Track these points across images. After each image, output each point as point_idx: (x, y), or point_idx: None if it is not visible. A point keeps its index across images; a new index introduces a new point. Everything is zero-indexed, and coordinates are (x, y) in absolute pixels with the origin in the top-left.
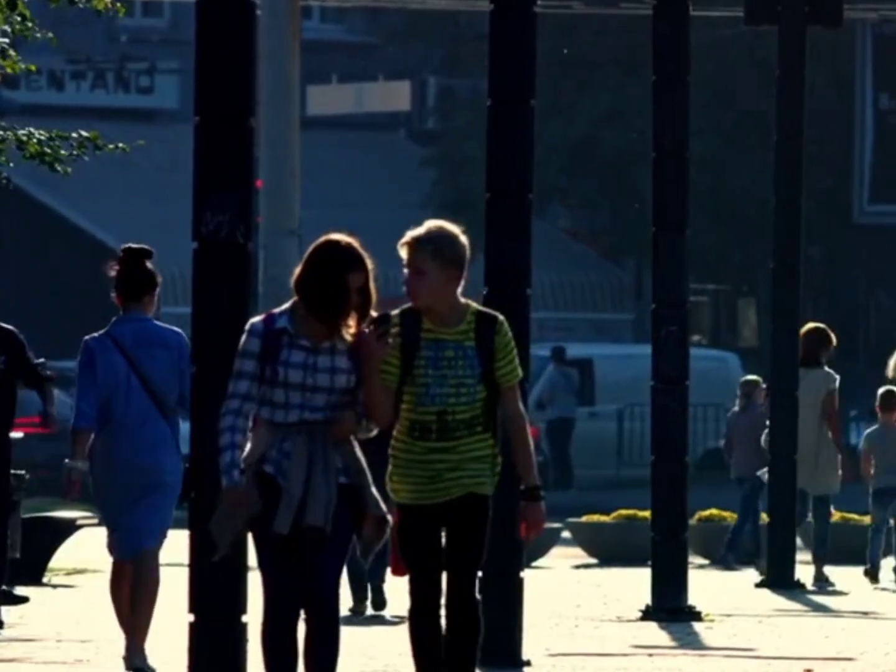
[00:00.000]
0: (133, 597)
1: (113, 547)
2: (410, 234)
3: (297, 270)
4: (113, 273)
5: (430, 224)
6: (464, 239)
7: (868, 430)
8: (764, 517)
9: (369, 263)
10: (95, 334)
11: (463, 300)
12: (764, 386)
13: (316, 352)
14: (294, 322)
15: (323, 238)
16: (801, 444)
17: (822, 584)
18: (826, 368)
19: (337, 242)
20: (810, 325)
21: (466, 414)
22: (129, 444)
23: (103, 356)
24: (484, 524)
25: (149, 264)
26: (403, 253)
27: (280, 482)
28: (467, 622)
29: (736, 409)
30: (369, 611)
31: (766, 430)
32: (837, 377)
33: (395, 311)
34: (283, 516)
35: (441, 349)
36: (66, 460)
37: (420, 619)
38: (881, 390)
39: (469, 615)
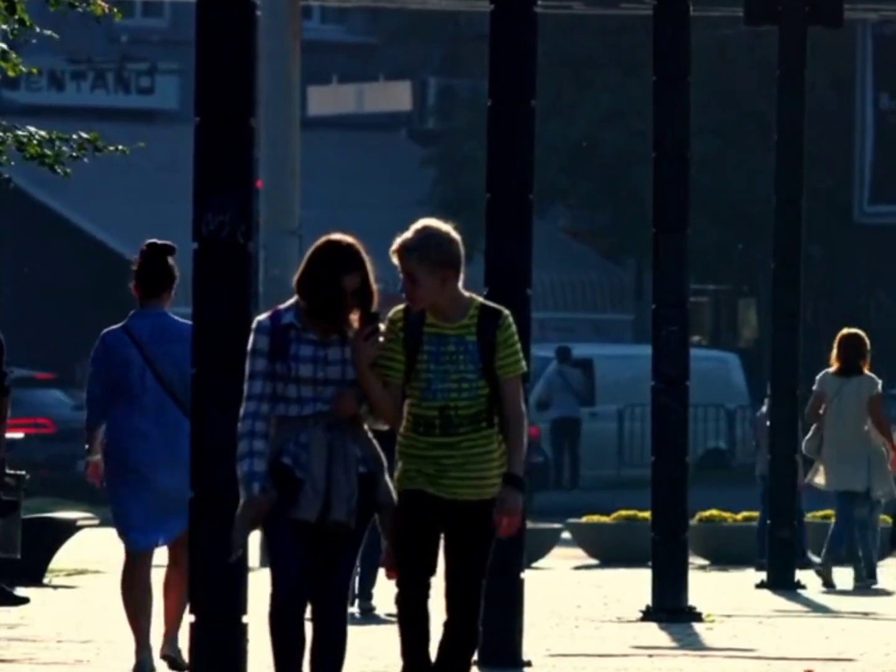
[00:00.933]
0: (168, 581)
1: (127, 536)
2: (398, 241)
3: (300, 269)
4: (135, 267)
5: (417, 226)
6: (454, 236)
7: None
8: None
9: (369, 263)
10: (113, 327)
11: (467, 294)
12: None
13: (325, 344)
14: (300, 317)
15: (323, 238)
16: (847, 450)
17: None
18: (867, 373)
19: (335, 243)
20: (846, 331)
21: (471, 409)
22: (147, 441)
23: (119, 350)
24: (490, 529)
25: (170, 260)
26: (395, 260)
27: (297, 474)
28: (464, 633)
29: (764, 409)
30: (356, 611)
31: (807, 437)
32: (879, 381)
33: (400, 307)
34: (311, 504)
35: (443, 344)
36: (87, 458)
37: (407, 605)
38: None
39: (468, 625)
